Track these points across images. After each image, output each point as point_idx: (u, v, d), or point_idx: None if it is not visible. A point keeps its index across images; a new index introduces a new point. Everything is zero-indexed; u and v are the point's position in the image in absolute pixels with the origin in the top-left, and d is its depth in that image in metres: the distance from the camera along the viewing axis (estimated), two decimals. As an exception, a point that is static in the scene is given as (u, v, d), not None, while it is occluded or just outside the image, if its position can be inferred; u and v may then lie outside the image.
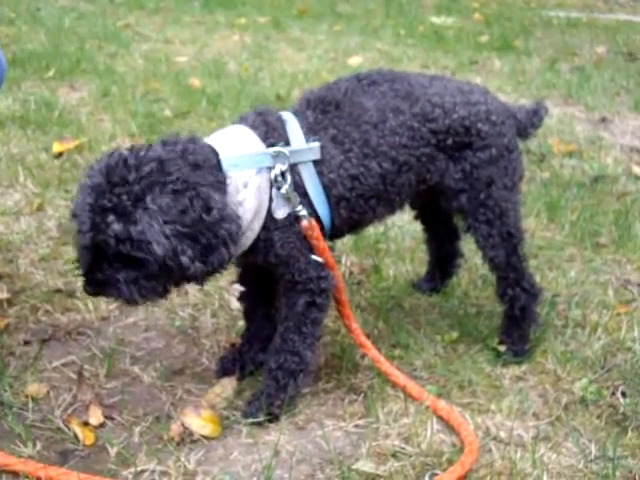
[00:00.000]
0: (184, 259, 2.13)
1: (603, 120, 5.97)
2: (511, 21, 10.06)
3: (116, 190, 2.12)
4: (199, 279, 2.24)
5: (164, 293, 2.27)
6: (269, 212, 2.36)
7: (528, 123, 2.83)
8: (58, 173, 4.33)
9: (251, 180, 2.31)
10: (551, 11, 11.03)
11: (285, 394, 2.50)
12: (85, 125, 5.15)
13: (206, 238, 2.15)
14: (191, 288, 3.21)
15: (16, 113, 5.30)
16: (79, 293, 3.17)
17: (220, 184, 2.25)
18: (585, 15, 10.82)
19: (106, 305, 3.11)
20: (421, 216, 3.15)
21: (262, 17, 9.41)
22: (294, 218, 2.39)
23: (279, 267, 2.45)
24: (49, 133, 4.96)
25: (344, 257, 3.45)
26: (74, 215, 2.20)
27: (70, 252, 3.48)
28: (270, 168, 2.34)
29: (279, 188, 2.34)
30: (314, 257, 2.44)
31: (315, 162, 2.41)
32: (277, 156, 2.35)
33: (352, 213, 2.52)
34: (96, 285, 2.23)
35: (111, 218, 2.10)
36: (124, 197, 2.11)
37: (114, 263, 2.18)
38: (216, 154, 2.29)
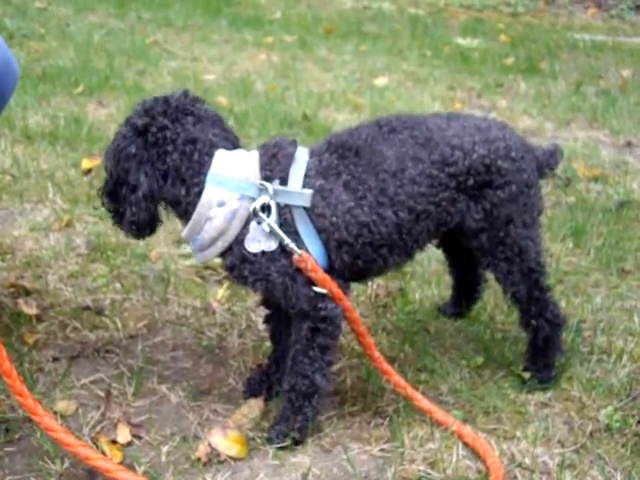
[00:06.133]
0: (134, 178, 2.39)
1: (628, 144, 5.96)
2: (537, 43, 10.05)
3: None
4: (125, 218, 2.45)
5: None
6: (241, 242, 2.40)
7: (544, 163, 2.80)
8: (87, 190, 4.35)
9: (230, 203, 2.36)
10: (577, 34, 11.00)
11: (302, 416, 2.49)
12: (113, 142, 5.16)
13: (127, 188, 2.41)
14: (218, 308, 3.24)
15: (45, 129, 5.33)
16: (107, 311, 3.20)
17: (190, 181, 2.41)
18: (611, 38, 10.78)
19: (134, 323, 3.14)
20: (442, 244, 3.10)
21: (289, 36, 9.45)
22: (280, 252, 2.39)
23: (269, 295, 2.50)
24: (78, 149, 4.99)
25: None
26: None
27: (99, 269, 3.52)
28: (254, 199, 2.37)
29: (259, 223, 2.36)
30: (316, 289, 2.41)
31: (316, 205, 2.40)
32: (263, 190, 2.37)
33: (356, 259, 2.48)
34: None
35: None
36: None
37: None
38: (210, 165, 2.40)
